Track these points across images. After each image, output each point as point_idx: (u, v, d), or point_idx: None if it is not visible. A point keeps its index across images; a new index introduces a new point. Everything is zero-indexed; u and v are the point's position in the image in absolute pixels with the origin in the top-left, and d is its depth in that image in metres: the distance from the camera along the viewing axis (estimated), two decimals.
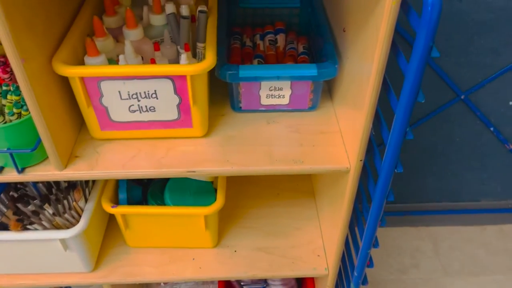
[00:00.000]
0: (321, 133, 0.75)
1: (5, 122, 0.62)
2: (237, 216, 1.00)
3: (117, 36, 0.73)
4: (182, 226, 0.87)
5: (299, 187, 1.08)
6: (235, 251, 0.93)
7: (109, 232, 0.96)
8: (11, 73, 0.69)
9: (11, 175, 0.67)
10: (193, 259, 0.92)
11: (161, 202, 0.88)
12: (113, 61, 0.69)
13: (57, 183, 0.80)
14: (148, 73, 0.62)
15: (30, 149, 0.63)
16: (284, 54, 0.86)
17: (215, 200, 0.88)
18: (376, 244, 0.73)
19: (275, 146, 0.73)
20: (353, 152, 0.67)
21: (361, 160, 0.67)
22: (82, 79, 0.63)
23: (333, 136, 0.75)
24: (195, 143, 0.73)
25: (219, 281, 1.12)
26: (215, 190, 0.90)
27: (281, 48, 0.88)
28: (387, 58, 0.55)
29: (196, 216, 0.84)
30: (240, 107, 0.77)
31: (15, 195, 0.78)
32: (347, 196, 0.72)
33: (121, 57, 0.65)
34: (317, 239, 0.96)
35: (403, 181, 1.46)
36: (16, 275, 0.87)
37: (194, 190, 0.89)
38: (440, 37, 1.12)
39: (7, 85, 0.66)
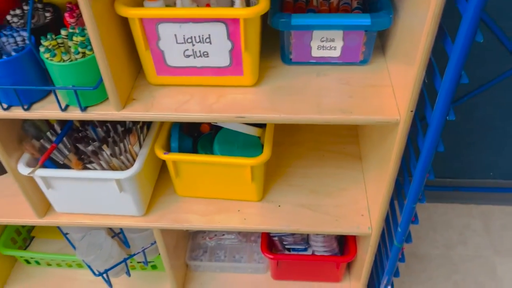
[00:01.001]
0: (372, 86, 0.75)
1: (71, 61, 0.66)
2: (283, 174, 1.02)
3: None
4: (229, 176, 0.90)
5: (345, 150, 1.08)
6: (279, 206, 0.95)
7: (160, 182, 1.01)
8: (77, 18, 0.74)
9: (74, 113, 0.72)
10: (238, 210, 0.95)
11: (210, 153, 0.91)
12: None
13: (114, 127, 0.85)
14: (203, 15, 0.64)
15: (93, 87, 0.68)
16: (337, 10, 0.85)
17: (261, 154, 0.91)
18: (422, 199, 0.72)
19: (324, 97, 0.73)
20: (404, 104, 0.67)
21: (411, 111, 0.66)
22: (141, 20, 0.66)
23: (384, 89, 0.74)
24: (245, 91, 0.75)
25: (262, 238, 1.14)
26: (262, 146, 0.92)
27: (335, 4, 0.86)
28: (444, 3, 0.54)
29: (243, 167, 0.86)
30: (291, 59, 0.78)
31: (78, 136, 0.84)
32: (395, 149, 0.72)
33: (178, 1, 0.67)
34: (361, 200, 0.96)
35: (455, 155, 1.41)
36: (75, 215, 0.94)
37: (242, 144, 0.91)
38: None
39: (73, 28, 0.70)
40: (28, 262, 1.23)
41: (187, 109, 0.72)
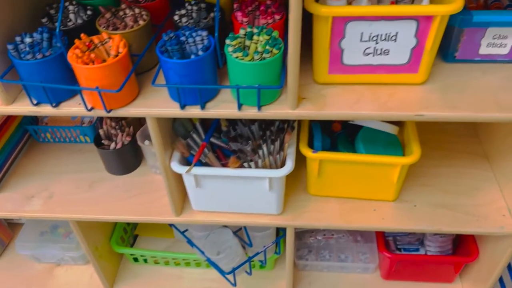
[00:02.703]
0: None
1: (261, 59, 0.66)
2: (412, 174, 1.00)
3: None
4: (372, 176, 0.89)
5: (467, 149, 1.07)
6: (415, 205, 0.94)
7: (288, 180, 1.00)
8: (249, 16, 0.74)
9: (250, 112, 0.72)
10: (374, 210, 0.94)
11: (352, 151, 0.91)
12: None
13: (267, 126, 0.85)
14: (400, 13, 0.63)
15: (278, 86, 0.68)
16: (486, 7, 0.84)
17: (402, 152, 0.90)
18: None
19: (499, 94, 0.72)
20: None
21: None
22: (332, 19, 0.65)
23: None
24: (415, 89, 0.74)
25: (378, 238, 1.14)
26: (400, 144, 0.92)
27: (481, 1, 0.85)
28: None
29: (392, 166, 0.85)
30: (455, 57, 0.77)
31: (231, 134, 0.84)
32: None
33: (363, 1, 0.67)
34: (498, 200, 0.94)
35: None
36: (211, 213, 0.95)
37: (383, 142, 0.91)
38: None
39: (251, 27, 0.70)
40: (136, 260, 1.25)
41: (361, 108, 0.71)
